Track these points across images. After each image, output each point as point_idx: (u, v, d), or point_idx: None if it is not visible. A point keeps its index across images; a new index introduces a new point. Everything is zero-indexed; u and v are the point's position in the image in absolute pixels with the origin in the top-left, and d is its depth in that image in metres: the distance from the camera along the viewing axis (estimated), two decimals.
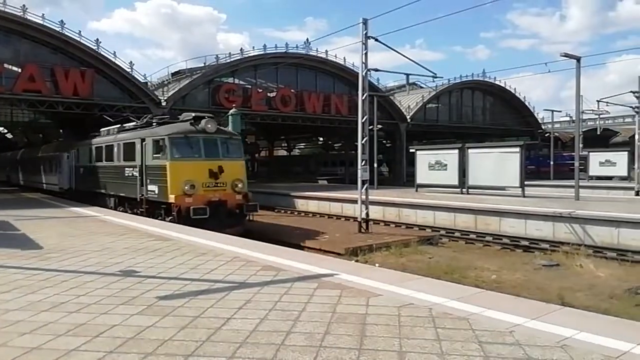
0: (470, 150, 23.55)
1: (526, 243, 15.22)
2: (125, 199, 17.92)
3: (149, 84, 33.07)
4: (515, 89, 52.73)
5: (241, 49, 36.84)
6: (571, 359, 3.74)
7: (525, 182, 21.99)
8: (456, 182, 23.69)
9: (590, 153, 38.56)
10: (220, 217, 14.60)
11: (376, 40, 20.93)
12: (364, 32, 20.49)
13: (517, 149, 21.82)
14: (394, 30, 37.06)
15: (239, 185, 15.50)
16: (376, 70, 22.31)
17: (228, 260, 7.85)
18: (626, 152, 36.70)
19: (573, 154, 23.06)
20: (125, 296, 5.73)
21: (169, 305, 5.29)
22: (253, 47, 42.73)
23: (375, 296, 5.60)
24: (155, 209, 15.66)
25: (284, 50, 37.35)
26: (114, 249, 9.02)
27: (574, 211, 15.41)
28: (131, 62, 31.09)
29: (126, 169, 17.62)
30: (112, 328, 4.60)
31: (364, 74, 20.69)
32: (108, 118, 26.01)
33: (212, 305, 5.27)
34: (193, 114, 16.23)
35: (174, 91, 32.60)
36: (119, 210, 17.99)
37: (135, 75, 31.00)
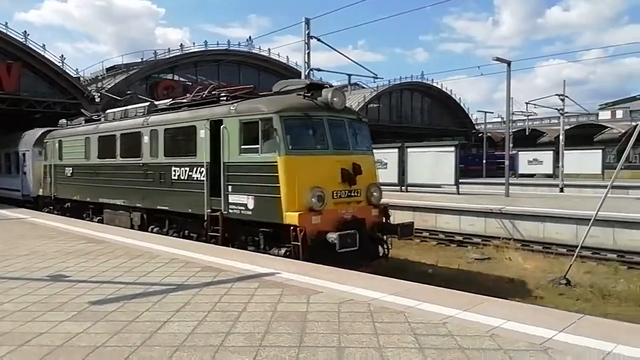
0: (409, 150, 24.25)
1: (460, 238, 15.89)
2: (170, 216, 11.78)
3: (81, 79, 31.53)
4: (451, 90, 54.92)
5: (181, 45, 36.01)
6: (499, 347, 3.95)
7: (460, 180, 22.93)
8: (396, 180, 24.30)
9: (519, 152, 40.75)
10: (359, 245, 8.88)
11: (318, 40, 21.13)
12: (307, 32, 20.62)
13: (452, 149, 22.71)
14: (336, 31, 37.48)
15: (375, 194, 9.93)
16: (319, 70, 22.41)
17: (165, 262, 7.64)
18: (551, 152, 39.10)
19: (504, 153, 24.27)
20: (53, 302, 5.44)
21: (102, 310, 5.08)
22: (193, 44, 41.82)
23: (316, 293, 5.64)
24: (244, 234, 9.82)
25: (225, 48, 36.83)
26: (43, 253, 8.53)
27: (503, 207, 16.25)
28: (62, 55, 29.50)
29: (174, 168, 11.30)
30: (39, 336, 4.35)
31: (306, 73, 20.80)
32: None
33: (148, 309, 5.11)
34: (304, 81, 10.44)
35: (109, 87, 31.24)
36: (155, 232, 12.01)
37: (67, 70, 29.45)
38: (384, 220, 9.95)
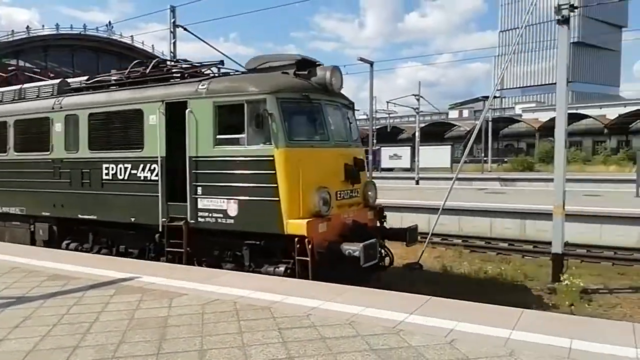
0: None
1: None
2: (98, 228, 9.17)
3: None
4: None
5: (27, 27, 32.02)
6: (357, 334, 4.16)
7: None
8: None
9: (382, 148, 43.64)
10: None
11: (185, 29, 20.31)
12: (172, 20, 19.69)
13: None
14: (205, 20, 36.00)
15: (371, 194, 8.59)
16: (185, 60, 21.54)
17: (5, 272, 6.73)
18: (409, 147, 42.52)
19: (367, 148, 25.76)
20: None
21: None
22: (43, 26, 37.57)
23: (179, 296, 5.41)
24: (218, 248, 7.80)
25: (80, 32, 33.64)
26: None
27: None
28: None
29: (106, 166, 8.75)
30: None
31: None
32: None
33: None
34: (293, 55, 8.05)
35: None
36: (72, 248, 9.37)
37: None
38: (378, 223, 8.60)
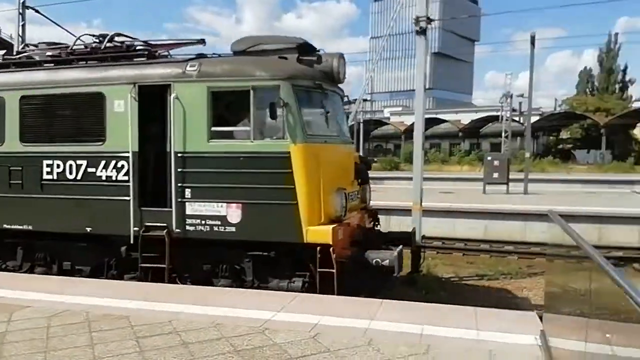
0: None
1: None
2: (33, 241, 7.26)
3: None
4: None
5: None
6: (221, 335, 4.06)
7: None
8: None
9: None
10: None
11: (36, 11, 18.30)
12: (21, 0, 17.63)
13: None
14: (61, 3, 32.18)
15: (369, 196, 7.93)
16: (36, 45, 19.36)
17: None
18: None
19: None
20: None
21: None
22: None
23: (21, 309, 4.82)
24: (210, 262, 6.49)
25: None
26: None
27: None
28: None
29: (48, 163, 6.99)
30: None
31: (20, 48, 17.76)
32: None
33: None
34: (292, 39, 6.95)
35: None
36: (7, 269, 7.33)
37: None
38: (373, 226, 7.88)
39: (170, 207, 6.30)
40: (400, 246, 6.69)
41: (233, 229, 6.12)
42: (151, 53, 7.15)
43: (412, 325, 4.32)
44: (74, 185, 6.73)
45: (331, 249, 5.75)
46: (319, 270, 5.82)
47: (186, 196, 6.28)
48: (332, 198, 6.15)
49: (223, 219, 6.15)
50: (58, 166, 6.82)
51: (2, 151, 7.14)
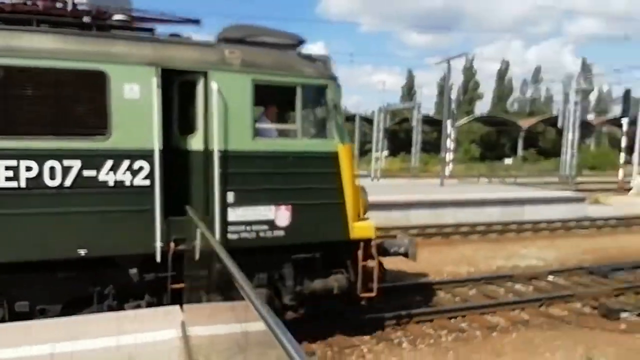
0: None
1: None
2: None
3: None
4: None
5: None
6: None
7: None
8: None
9: None
10: None
11: None
12: None
13: None
14: None
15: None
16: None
17: None
18: None
19: None
20: None
21: None
22: None
23: None
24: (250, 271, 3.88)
25: None
26: None
27: None
28: None
29: (10, 164, 4.35)
30: None
31: None
32: None
33: None
34: (291, 34, 5.83)
35: None
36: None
37: None
38: None
39: (210, 214, 5.35)
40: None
41: (282, 232, 5.71)
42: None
43: (42, 347, 3.78)
44: (56, 194, 4.83)
45: (372, 242, 6.07)
46: (364, 264, 6.06)
47: (229, 201, 5.47)
48: (362, 195, 6.28)
49: (271, 224, 5.66)
50: (28, 169, 4.75)
51: None
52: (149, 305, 5.30)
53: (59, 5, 5.51)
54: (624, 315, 7.48)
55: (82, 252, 4.95)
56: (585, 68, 56.49)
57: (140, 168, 5.14)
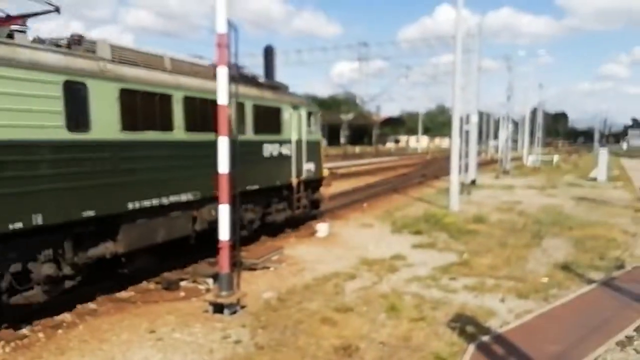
0: None
1: None
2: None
3: None
4: None
5: None
6: None
7: None
8: None
9: None
10: None
11: None
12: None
13: None
14: None
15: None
16: None
17: None
18: None
19: None
20: None
21: None
22: None
23: None
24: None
25: None
26: None
27: None
28: None
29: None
30: None
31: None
32: None
33: None
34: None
35: None
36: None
37: None
38: None
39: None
40: None
41: (313, 173, 13.84)
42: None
43: None
44: (274, 157, 11.78)
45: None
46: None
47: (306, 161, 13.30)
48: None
49: (312, 170, 13.70)
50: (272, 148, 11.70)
51: (246, 139, 10.14)
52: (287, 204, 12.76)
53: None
54: (183, 284, 8.57)
55: (278, 182, 12.08)
56: None
57: (289, 147, 12.38)
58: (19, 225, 5.92)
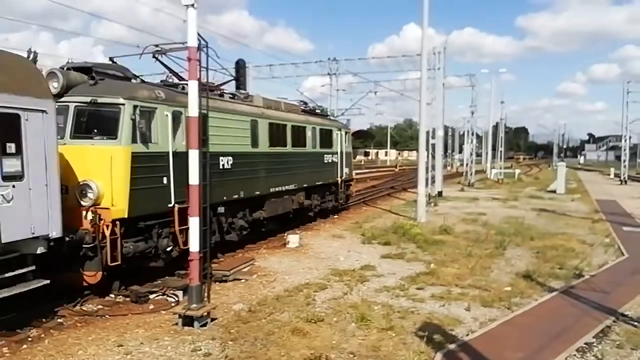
0: None
1: None
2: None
3: None
4: None
5: None
6: None
7: None
8: None
9: None
10: None
11: None
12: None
13: None
14: None
15: None
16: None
17: None
18: None
19: None
20: None
21: None
22: None
23: None
24: None
25: None
26: None
27: None
28: None
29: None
30: None
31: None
32: None
33: None
34: None
35: None
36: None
37: None
38: None
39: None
40: None
41: (347, 175, 19.88)
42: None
43: None
44: (330, 162, 17.57)
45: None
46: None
47: (344, 165, 19.21)
48: None
49: (348, 172, 19.98)
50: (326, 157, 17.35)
51: (315, 151, 16.44)
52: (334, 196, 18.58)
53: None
54: (152, 296, 8.46)
55: (331, 180, 17.98)
56: None
57: (336, 157, 18.24)
58: (235, 196, 11.31)
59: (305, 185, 15.43)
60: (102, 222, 7.78)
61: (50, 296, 7.38)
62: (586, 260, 11.32)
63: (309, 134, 15.79)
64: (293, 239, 12.87)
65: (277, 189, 13.44)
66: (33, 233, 6.55)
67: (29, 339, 6.54)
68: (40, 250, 6.75)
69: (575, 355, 6.12)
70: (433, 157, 24.40)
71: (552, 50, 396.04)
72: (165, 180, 8.83)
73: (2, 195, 6.18)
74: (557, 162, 51.48)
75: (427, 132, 19.21)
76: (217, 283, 9.02)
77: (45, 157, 6.73)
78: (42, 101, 6.71)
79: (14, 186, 6.32)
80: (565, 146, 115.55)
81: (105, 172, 7.91)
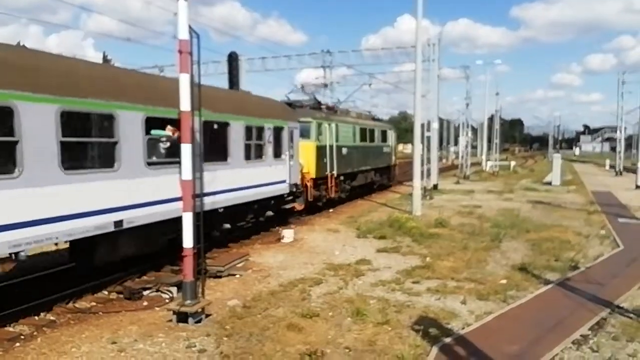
0: None
1: None
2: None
3: None
4: None
5: None
6: None
7: None
8: None
9: None
10: None
11: None
12: None
13: None
14: None
15: None
16: None
17: None
18: None
19: None
20: None
21: None
22: None
23: None
24: None
25: None
26: None
27: None
28: None
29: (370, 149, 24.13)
30: None
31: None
32: None
33: None
34: None
35: None
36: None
37: None
38: None
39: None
40: None
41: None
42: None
43: None
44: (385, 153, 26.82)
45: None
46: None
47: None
48: None
49: None
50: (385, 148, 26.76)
51: (378, 145, 25.54)
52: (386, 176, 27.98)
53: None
54: (146, 293, 8.39)
55: (387, 164, 27.32)
56: (106, 62, 60.38)
57: (389, 148, 27.68)
58: (349, 170, 20.64)
59: (373, 167, 24.13)
60: (305, 179, 16.21)
61: (44, 293, 7.28)
62: (582, 252, 11.33)
63: (376, 133, 24.46)
64: (287, 233, 12.82)
65: (362, 168, 22.36)
66: (295, 181, 14.81)
67: (22, 337, 6.47)
68: (292, 189, 14.60)
69: (571, 347, 6.11)
70: (428, 150, 24.41)
71: (546, 40, 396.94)
72: (327, 160, 17.81)
73: (290, 164, 14.21)
74: (552, 153, 51.53)
75: (422, 125, 19.34)
76: (211, 279, 8.97)
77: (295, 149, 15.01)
78: (294, 123, 14.84)
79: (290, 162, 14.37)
80: (560, 138, 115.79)
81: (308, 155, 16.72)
